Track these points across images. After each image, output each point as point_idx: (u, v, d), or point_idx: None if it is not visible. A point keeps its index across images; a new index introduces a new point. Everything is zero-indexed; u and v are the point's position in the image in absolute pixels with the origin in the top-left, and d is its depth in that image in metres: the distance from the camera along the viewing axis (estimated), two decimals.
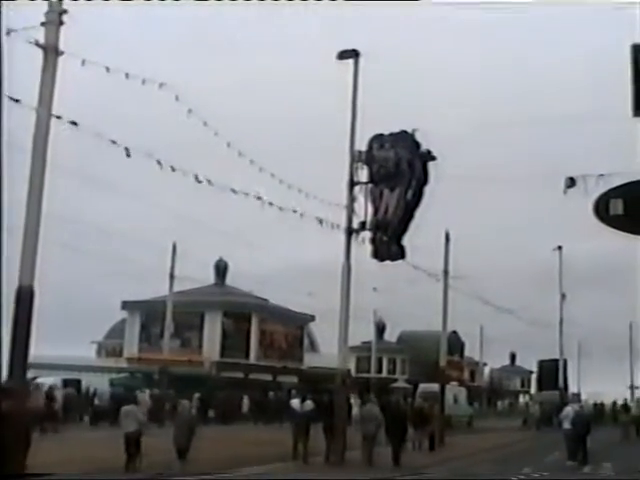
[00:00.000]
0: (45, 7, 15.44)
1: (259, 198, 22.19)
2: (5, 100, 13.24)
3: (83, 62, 16.09)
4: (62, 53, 15.60)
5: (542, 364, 66.54)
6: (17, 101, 14.93)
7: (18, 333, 15.07)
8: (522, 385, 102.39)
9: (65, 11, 15.39)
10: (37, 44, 15.27)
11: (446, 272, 35.13)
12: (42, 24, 15.37)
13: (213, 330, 57.73)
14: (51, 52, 15.41)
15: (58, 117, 15.63)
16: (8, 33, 14.34)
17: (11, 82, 15.15)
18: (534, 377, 79.41)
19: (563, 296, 51.95)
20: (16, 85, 15.22)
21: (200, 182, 19.83)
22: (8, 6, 13.83)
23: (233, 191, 21.27)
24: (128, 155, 17.24)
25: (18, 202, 15.87)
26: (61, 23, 15.39)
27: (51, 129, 15.47)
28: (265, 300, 60.98)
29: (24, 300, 15.17)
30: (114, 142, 17.11)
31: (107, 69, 16.51)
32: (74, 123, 16.10)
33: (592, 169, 15.22)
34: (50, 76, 15.42)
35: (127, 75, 16.72)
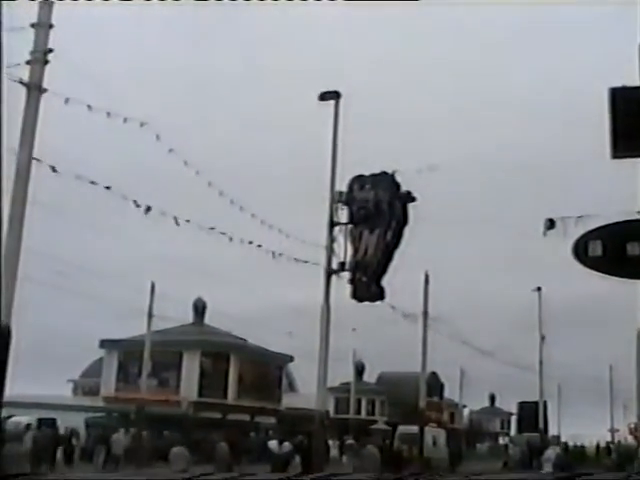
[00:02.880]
0: (30, 47, 15.53)
1: (234, 239, 22.21)
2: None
3: (66, 100, 16.16)
4: (45, 91, 15.66)
5: (522, 406, 66.39)
6: None
7: None
8: (502, 427, 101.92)
9: (50, 50, 15.49)
10: (21, 82, 15.33)
11: (425, 313, 35.20)
12: (27, 62, 15.45)
13: (191, 369, 57.30)
14: (34, 90, 15.47)
15: (38, 160, 15.61)
16: None
17: None
18: (514, 419, 79.03)
19: (543, 338, 52.03)
20: None
21: (178, 225, 19.75)
22: None
23: (211, 230, 21.28)
24: (108, 188, 17.27)
25: None
26: (46, 62, 15.49)
27: (32, 167, 15.47)
28: (244, 340, 60.70)
29: (1, 339, 15.06)
30: (94, 182, 17.13)
31: (89, 107, 16.57)
32: (54, 168, 16.12)
33: (570, 211, 15.37)
34: (32, 113, 15.47)
35: (109, 114, 16.79)
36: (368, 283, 24.00)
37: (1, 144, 12.48)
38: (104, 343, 59.12)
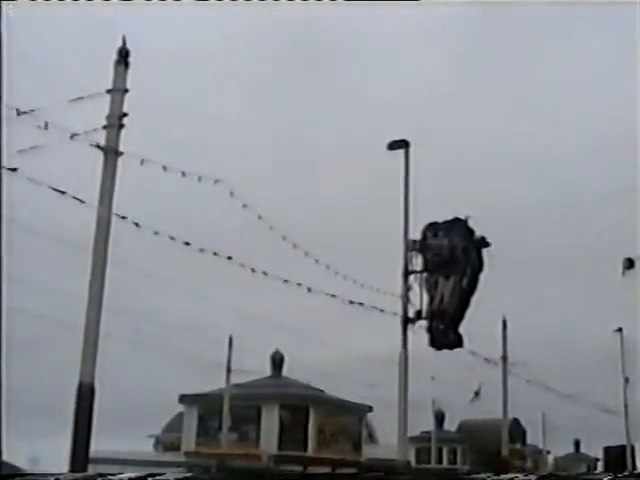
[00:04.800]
0: (106, 110, 16.06)
1: (309, 290, 22.36)
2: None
3: (142, 161, 16.62)
4: (121, 154, 16.16)
5: (608, 450, 64.63)
6: (82, 202, 15.46)
7: (79, 429, 15.25)
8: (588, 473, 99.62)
9: (125, 114, 16.01)
10: (98, 146, 15.86)
11: (504, 358, 34.74)
12: (103, 127, 15.98)
13: (270, 423, 57.30)
14: (111, 153, 15.97)
15: (123, 217, 16.10)
16: (72, 137, 14.96)
17: (75, 182, 15.70)
18: (600, 464, 77.00)
19: (626, 380, 50.82)
20: (79, 185, 15.75)
21: (254, 271, 20.08)
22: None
23: (286, 282, 21.48)
24: (187, 243, 17.62)
25: (79, 299, 16.24)
26: (121, 126, 16.00)
27: (112, 226, 15.92)
28: (322, 391, 60.55)
29: (85, 396, 15.41)
30: (172, 238, 17.52)
31: (164, 168, 17.01)
32: (137, 224, 16.57)
33: None
34: (110, 176, 15.96)
35: (183, 173, 17.21)
36: (445, 330, 23.84)
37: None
38: (184, 398, 59.56)
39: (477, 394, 42.78)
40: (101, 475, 11.18)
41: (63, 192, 15.76)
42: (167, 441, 71.62)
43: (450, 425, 78.77)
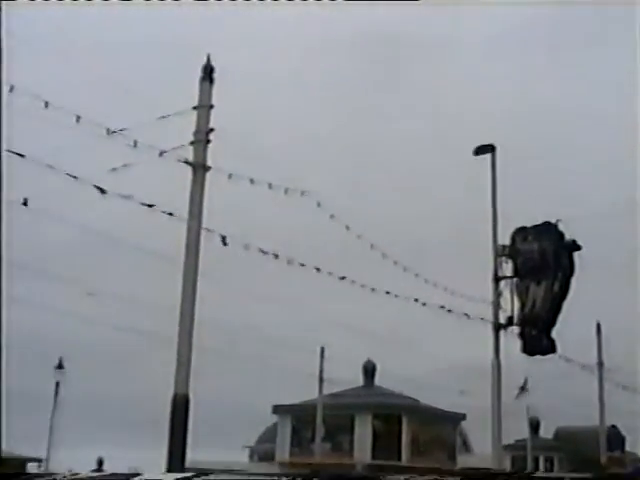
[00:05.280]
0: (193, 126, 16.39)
1: (400, 297, 22.33)
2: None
3: (230, 176, 16.91)
4: (209, 168, 16.46)
5: None
6: (171, 214, 15.79)
7: (175, 439, 15.52)
8: None
9: (212, 130, 16.31)
10: (186, 162, 16.19)
11: (600, 364, 34.02)
12: (191, 143, 16.31)
13: (364, 432, 57.24)
14: (199, 168, 16.28)
15: (209, 230, 16.40)
16: (161, 154, 15.31)
17: (165, 197, 16.05)
18: None
19: None
20: (169, 200, 16.08)
21: (343, 279, 20.18)
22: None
23: (375, 291, 21.50)
24: (276, 256, 17.84)
25: (172, 312, 16.56)
26: (208, 141, 16.31)
27: (202, 240, 16.21)
28: (415, 400, 60.22)
29: (179, 407, 15.69)
30: (262, 251, 17.75)
31: (251, 181, 17.26)
32: (224, 239, 16.83)
33: None
34: (199, 191, 16.27)
35: (270, 185, 17.44)
36: (538, 336, 23.49)
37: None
38: (277, 408, 59.97)
39: (523, 389, 41.67)
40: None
41: (151, 206, 16.14)
42: (261, 451, 72.19)
43: (546, 432, 77.39)
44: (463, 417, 62.70)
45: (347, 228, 19.65)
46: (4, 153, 13.41)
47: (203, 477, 10.98)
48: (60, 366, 32.37)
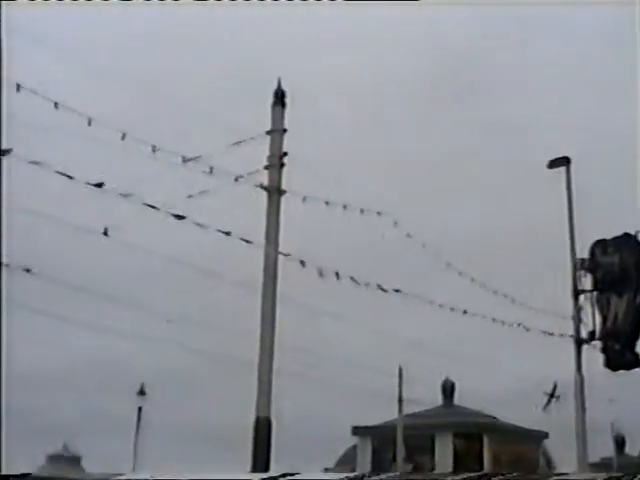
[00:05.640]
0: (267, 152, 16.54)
1: (478, 315, 22.14)
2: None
3: (304, 199, 17.01)
4: (284, 192, 16.59)
5: None
6: (248, 241, 15.93)
7: (258, 461, 15.59)
8: None
9: (285, 154, 16.44)
10: (262, 187, 16.34)
11: None
12: (265, 167, 16.46)
13: (444, 452, 56.64)
14: (274, 192, 16.42)
15: (286, 255, 16.49)
16: (236, 179, 15.48)
17: (240, 222, 16.18)
18: None
19: None
20: (245, 225, 16.22)
21: (422, 300, 20.10)
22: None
23: (453, 310, 21.37)
24: (352, 278, 17.85)
25: (252, 336, 16.67)
26: (282, 165, 16.44)
27: (279, 264, 16.32)
28: (495, 418, 59.45)
29: (262, 430, 15.78)
30: (337, 275, 17.78)
31: (327, 203, 17.33)
32: (303, 262, 16.93)
33: None
34: (275, 214, 16.39)
35: (345, 207, 17.48)
36: (622, 350, 23.03)
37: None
38: (356, 430, 59.76)
39: (552, 396, 40.08)
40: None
41: (228, 233, 16.31)
42: (342, 473, 71.95)
43: (632, 450, 75.63)
44: (545, 435, 61.61)
45: (423, 246, 19.61)
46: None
47: (289, 477, 10.98)
48: (142, 392, 32.85)
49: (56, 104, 14.95)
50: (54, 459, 34.11)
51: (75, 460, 35.60)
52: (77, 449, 38.52)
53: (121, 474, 11.61)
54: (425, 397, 49.94)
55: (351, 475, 11.86)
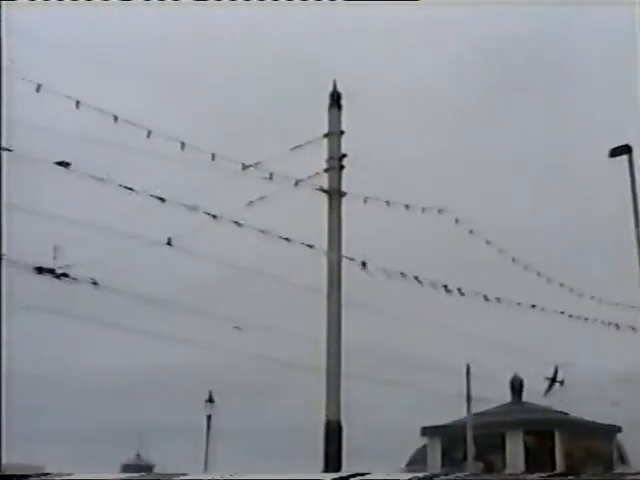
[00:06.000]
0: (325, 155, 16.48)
1: (546, 309, 21.86)
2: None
3: (365, 200, 16.96)
4: (344, 194, 16.55)
5: None
6: (310, 246, 15.93)
7: (329, 464, 15.58)
8: None
9: (344, 155, 16.40)
10: (322, 189, 16.33)
11: None
12: (325, 170, 16.44)
13: (515, 449, 55.99)
14: (335, 195, 16.38)
15: (350, 259, 16.46)
16: (296, 183, 15.50)
17: (301, 226, 16.20)
18: None
19: None
20: (305, 228, 16.22)
21: (488, 300, 19.92)
22: None
23: (519, 305, 21.12)
24: (417, 278, 17.74)
25: (318, 341, 16.66)
26: (342, 167, 16.40)
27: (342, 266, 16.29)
28: (565, 414, 58.63)
29: (332, 433, 15.77)
30: (403, 274, 17.70)
31: (387, 203, 17.25)
32: (364, 264, 16.88)
33: None
34: (336, 217, 16.37)
35: (407, 207, 17.39)
36: None
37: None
38: (426, 430, 59.39)
39: (554, 381, 38.24)
40: None
41: (289, 239, 16.38)
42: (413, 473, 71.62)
43: None
44: (619, 429, 60.52)
45: (487, 243, 19.41)
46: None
47: (359, 477, 10.93)
48: (210, 400, 33.09)
49: (115, 118, 15.14)
50: (128, 468, 34.50)
51: (148, 469, 35.96)
52: (150, 458, 38.94)
53: (184, 474, 11.70)
54: (493, 395, 49.47)
55: (420, 475, 11.79)
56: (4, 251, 17.73)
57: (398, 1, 20.30)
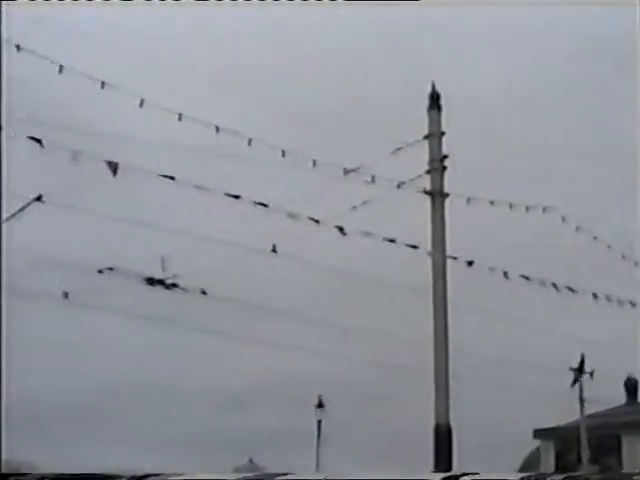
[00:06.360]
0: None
1: None
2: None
3: (468, 200, 16.83)
4: (447, 195, 16.46)
5: None
6: (414, 247, 15.90)
7: (440, 469, 15.48)
8: None
9: (446, 156, 16.32)
10: (425, 191, 16.29)
11: None
12: (427, 172, 16.39)
13: (632, 451, 54.52)
14: (437, 196, 16.32)
15: (454, 258, 16.35)
16: (399, 186, 15.49)
17: (404, 229, 16.15)
18: None
19: None
20: (409, 231, 16.16)
21: (597, 298, 19.52)
22: None
23: (632, 304, 20.62)
24: (525, 277, 17.51)
25: (426, 342, 16.56)
26: (444, 168, 16.32)
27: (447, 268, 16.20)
28: None
29: (442, 436, 15.68)
30: (506, 275, 17.51)
31: (491, 203, 17.08)
32: (470, 263, 16.75)
33: None
34: (439, 218, 16.29)
35: (511, 206, 17.20)
36: None
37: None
38: (538, 433, 58.35)
39: (580, 372, 35.28)
40: None
41: (393, 240, 16.39)
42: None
43: None
44: None
45: (595, 239, 19.00)
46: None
47: (469, 476, 10.74)
48: (320, 405, 33.26)
49: (217, 128, 15.37)
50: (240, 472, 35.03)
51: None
52: (262, 463, 39.38)
53: (288, 473, 11.75)
54: (608, 396, 48.31)
55: (533, 476, 11.53)
56: (115, 263, 18.26)
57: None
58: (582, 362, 32.15)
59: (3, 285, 14.63)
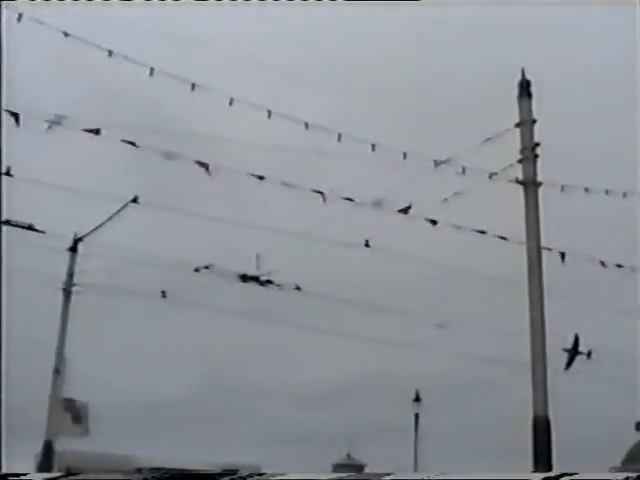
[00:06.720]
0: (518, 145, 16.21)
1: None
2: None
3: (562, 188, 16.56)
4: (540, 184, 16.20)
5: None
6: (504, 238, 15.74)
7: (539, 463, 15.29)
8: None
9: (537, 144, 16.08)
10: (517, 181, 16.07)
11: None
12: (519, 161, 16.17)
13: None
14: (530, 185, 16.07)
15: (548, 249, 16.10)
16: (490, 176, 15.33)
17: (497, 220, 15.99)
18: None
19: None
20: (502, 223, 15.99)
21: None
22: None
23: None
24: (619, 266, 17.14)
25: (521, 335, 16.35)
26: (536, 156, 16.07)
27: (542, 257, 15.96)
28: None
29: (541, 430, 15.47)
30: (603, 264, 17.18)
31: (586, 190, 16.79)
32: (563, 255, 16.48)
33: None
34: (533, 207, 16.04)
35: (607, 192, 16.85)
36: None
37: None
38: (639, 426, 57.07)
39: (575, 352, 33.17)
40: None
41: (483, 232, 16.27)
42: (631, 471, 68.70)
43: None
44: None
45: None
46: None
47: (567, 477, 10.55)
48: (417, 399, 33.17)
49: (307, 125, 15.48)
50: (339, 468, 35.09)
51: (359, 468, 36.43)
52: (361, 458, 39.41)
53: (389, 473, 11.74)
54: None
55: (633, 475, 11.22)
56: (212, 261, 18.58)
57: None
58: (576, 341, 30.89)
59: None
